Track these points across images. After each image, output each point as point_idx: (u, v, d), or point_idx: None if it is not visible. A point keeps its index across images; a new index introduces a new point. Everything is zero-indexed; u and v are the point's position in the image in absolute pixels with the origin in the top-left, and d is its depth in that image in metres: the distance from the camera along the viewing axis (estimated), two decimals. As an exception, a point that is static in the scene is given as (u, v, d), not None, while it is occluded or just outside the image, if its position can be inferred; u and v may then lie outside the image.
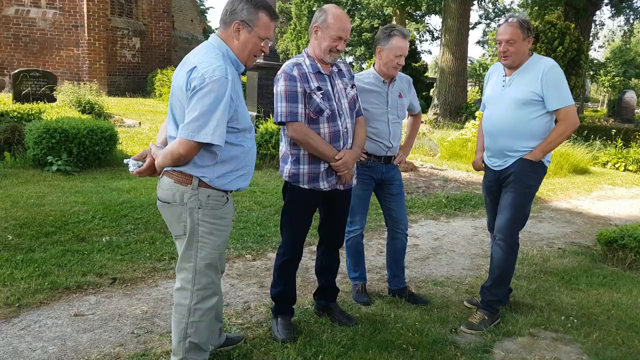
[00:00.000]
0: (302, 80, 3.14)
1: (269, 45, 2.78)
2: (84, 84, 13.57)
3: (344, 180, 3.31)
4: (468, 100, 19.18)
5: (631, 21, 31.79)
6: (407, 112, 4.09)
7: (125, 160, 2.79)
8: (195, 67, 2.49)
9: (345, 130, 3.27)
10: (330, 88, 3.24)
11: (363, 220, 3.99)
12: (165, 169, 2.64)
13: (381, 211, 4.17)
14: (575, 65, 15.39)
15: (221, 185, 2.65)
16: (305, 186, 3.26)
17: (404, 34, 3.74)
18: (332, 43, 3.16)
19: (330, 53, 3.19)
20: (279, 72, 3.22)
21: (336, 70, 3.34)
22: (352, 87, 3.40)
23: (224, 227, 2.74)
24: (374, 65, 3.89)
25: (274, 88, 3.21)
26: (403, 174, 8.81)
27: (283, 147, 3.33)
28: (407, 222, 4.09)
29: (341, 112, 3.26)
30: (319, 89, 3.18)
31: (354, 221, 3.92)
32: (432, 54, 78.61)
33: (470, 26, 26.31)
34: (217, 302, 2.82)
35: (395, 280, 4.11)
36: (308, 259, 4.68)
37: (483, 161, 3.95)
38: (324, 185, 3.28)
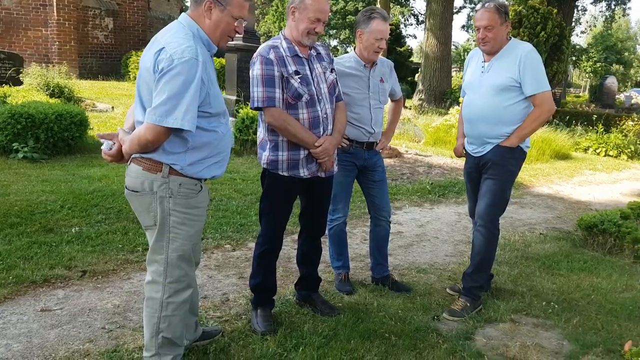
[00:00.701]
0: (279, 64, 3.04)
1: (243, 25, 2.66)
2: (53, 66, 13.11)
3: (324, 167, 3.24)
4: (452, 85, 19.17)
5: (612, 7, 32.27)
6: (388, 98, 4.01)
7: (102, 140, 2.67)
8: (163, 47, 2.37)
9: (324, 116, 3.18)
10: (308, 72, 3.14)
11: (346, 207, 3.94)
12: (133, 156, 2.53)
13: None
14: (557, 51, 15.57)
15: (194, 173, 2.55)
16: (285, 173, 3.18)
17: (384, 16, 3.66)
18: (310, 25, 3.07)
19: (308, 35, 3.10)
20: (254, 55, 3.11)
21: (315, 53, 3.25)
22: (331, 71, 3.31)
23: (197, 216, 2.64)
24: (354, 49, 3.81)
25: (250, 72, 3.11)
26: (388, 160, 8.83)
27: (261, 133, 3.24)
28: (390, 209, 4.06)
29: (320, 97, 3.17)
30: (296, 72, 3.08)
31: (336, 209, 3.87)
32: (417, 38, 78.48)
33: (455, 10, 26.29)
34: (191, 295, 2.73)
35: (378, 268, 4.09)
36: (290, 248, 4.63)
37: (464, 147, 3.94)
38: (304, 172, 3.20)
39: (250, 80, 3.08)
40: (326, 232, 3.74)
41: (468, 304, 3.66)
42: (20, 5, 15.72)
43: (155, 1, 20.92)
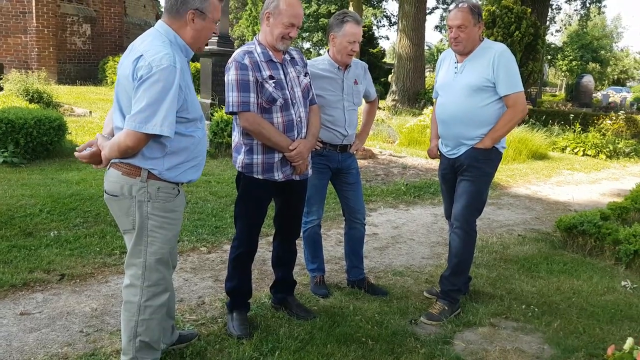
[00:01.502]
0: (254, 69, 3.08)
1: (217, 26, 2.73)
2: (32, 72, 13.09)
3: (299, 170, 3.26)
4: (426, 86, 19.25)
5: (587, 5, 31.94)
6: (362, 99, 4.03)
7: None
8: (141, 55, 2.41)
9: (299, 119, 3.22)
10: (282, 76, 3.18)
11: (320, 210, 3.94)
12: (112, 161, 2.56)
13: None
14: (532, 50, 15.47)
15: (171, 178, 2.58)
16: (260, 176, 3.20)
17: (357, 19, 3.69)
18: (285, 30, 3.11)
19: (282, 40, 3.13)
20: (229, 61, 3.14)
21: (289, 58, 3.28)
22: (305, 75, 3.34)
23: (174, 220, 2.66)
24: (328, 52, 3.82)
25: (225, 77, 3.14)
26: (362, 162, 8.79)
27: (236, 136, 3.26)
28: (364, 211, 4.05)
29: (294, 101, 3.20)
30: (271, 77, 3.12)
31: (311, 211, 3.87)
32: (390, 39, 78.84)
33: (428, 11, 26.44)
34: (168, 299, 2.74)
35: (354, 271, 4.07)
36: (265, 251, 4.61)
37: (438, 149, 3.91)
38: (278, 175, 3.22)
39: (226, 85, 3.11)
40: (301, 234, 3.74)
41: (446, 308, 3.62)
42: (1, 14, 15.75)
43: (131, 7, 20.93)
